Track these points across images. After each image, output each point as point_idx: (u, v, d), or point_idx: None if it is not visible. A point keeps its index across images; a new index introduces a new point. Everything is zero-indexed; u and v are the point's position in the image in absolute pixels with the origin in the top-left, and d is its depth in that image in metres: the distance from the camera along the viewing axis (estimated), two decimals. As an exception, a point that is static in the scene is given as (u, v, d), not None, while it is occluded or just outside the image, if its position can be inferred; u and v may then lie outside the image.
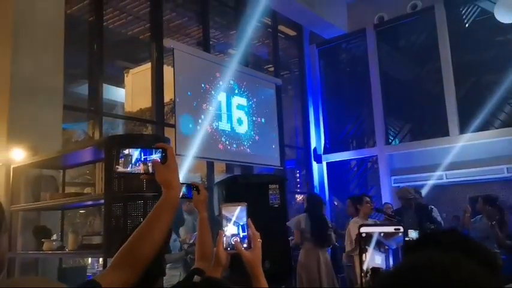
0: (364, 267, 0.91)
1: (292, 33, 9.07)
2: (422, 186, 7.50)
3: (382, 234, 0.97)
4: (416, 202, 5.12)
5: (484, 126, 7.21)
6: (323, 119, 8.94)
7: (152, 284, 1.73)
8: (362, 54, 8.67)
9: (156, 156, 1.36)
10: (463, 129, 7.38)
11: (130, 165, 1.37)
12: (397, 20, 8.32)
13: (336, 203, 6.65)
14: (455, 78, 7.55)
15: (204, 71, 6.52)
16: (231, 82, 6.88)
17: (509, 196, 7.12)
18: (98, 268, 4.07)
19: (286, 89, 8.83)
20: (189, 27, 7.68)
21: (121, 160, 1.37)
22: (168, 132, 5.98)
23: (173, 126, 5.93)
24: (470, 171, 7.33)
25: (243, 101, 7.11)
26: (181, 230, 4.78)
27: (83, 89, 5.56)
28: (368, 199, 4.68)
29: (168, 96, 6.31)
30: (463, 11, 7.79)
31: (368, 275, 0.89)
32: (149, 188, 2.57)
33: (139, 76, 8.60)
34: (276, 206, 2.85)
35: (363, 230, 0.93)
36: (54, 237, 3.40)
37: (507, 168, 7.06)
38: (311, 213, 4.98)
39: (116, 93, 8.75)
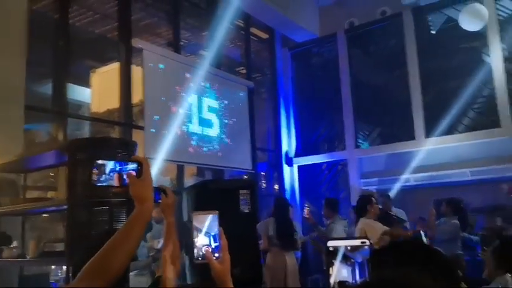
0: (332, 281, 0.92)
1: (264, 35, 9.07)
2: (390, 189, 7.66)
3: (348, 248, 0.98)
4: (385, 206, 5.20)
5: (449, 131, 7.42)
6: (294, 122, 8.99)
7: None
8: (333, 58, 8.77)
9: (131, 167, 1.32)
10: (428, 133, 7.57)
11: (104, 175, 1.33)
12: (367, 25, 8.45)
13: (306, 206, 6.68)
14: (422, 84, 7.73)
15: (174, 72, 6.42)
16: (202, 84, 6.81)
17: (472, 199, 7.35)
18: (61, 275, 3.93)
19: (258, 92, 8.82)
20: (159, 28, 7.56)
21: (94, 170, 1.32)
22: (137, 134, 5.86)
23: (142, 128, 5.82)
24: (435, 175, 7.53)
25: (214, 103, 7.05)
26: (148, 236, 4.68)
27: (48, 88, 5.37)
28: (374, 200, 4.63)
29: (136, 97, 6.18)
30: (430, 18, 7.99)
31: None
32: (116, 194, 2.49)
33: (107, 76, 8.39)
34: (247, 211, 2.83)
35: (330, 244, 0.94)
36: (15, 243, 3.25)
37: (470, 171, 7.29)
38: (278, 217, 5.02)
39: (82, 94, 8.51)
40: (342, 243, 0.90)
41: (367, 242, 0.89)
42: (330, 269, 0.87)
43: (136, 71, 6.12)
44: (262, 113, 8.86)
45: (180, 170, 6.62)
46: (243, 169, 7.48)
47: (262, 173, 8.77)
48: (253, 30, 8.72)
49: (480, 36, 7.28)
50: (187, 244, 2.74)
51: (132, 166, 1.35)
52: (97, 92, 8.63)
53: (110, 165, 1.36)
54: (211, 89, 7.00)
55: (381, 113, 8.41)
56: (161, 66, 6.18)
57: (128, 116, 5.79)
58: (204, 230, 1.40)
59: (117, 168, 1.36)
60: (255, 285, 3.16)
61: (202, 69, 6.84)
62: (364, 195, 5.17)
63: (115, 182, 1.35)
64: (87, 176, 2.41)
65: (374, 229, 4.05)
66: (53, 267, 4.60)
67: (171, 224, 1.78)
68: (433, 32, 7.90)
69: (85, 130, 6.94)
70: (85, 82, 8.45)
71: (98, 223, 2.48)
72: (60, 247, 2.75)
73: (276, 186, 8.74)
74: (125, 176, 1.33)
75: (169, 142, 5.94)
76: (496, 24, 7.11)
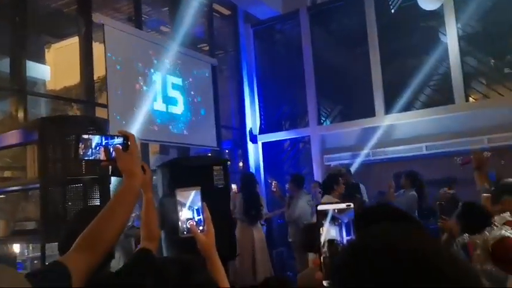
0: (322, 239, 1.01)
1: (226, 12, 8.98)
2: (351, 164, 7.93)
3: (336, 211, 1.07)
4: (346, 180, 5.41)
5: (407, 108, 7.72)
6: (258, 99, 9.04)
7: (102, 267, 1.70)
8: (296, 36, 8.83)
9: (117, 142, 1.33)
10: (388, 110, 7.85)
11: (90, 150, 1.33)
12: (329, 3, 8.55)
13: (270, 182, 6.85)
14: (382, 62, 7.95)
15: (137, 49, 6.28)
16: (166, 61, 6.70)
17: (428, 172, 7.75)
18: (28, 255, 3.86)
19: (220, 69, 8.78)
20: (119, 2, 7.32)
21: (80, 145, 1.32)
22: (98, 113, 5.73)
23: (104, 106, 5.69)
24: (393, 150, 7.85)
25: (178, 80, 6.97)
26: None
27: (5, 65, 5.12)
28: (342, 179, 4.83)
29: (96, 74, 6.00)
30: (390, -3, 8.17)
31: (325, 245, 1.00)
32: (88, 171, 2.48)
33: (63, 52, 8.08)
34: (221, 186, 2.88)
35: (320, 208, 1.03)
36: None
37: (426, 146, 7.65)
38: (245, 192, 5.13)
39: (36, 70, 8.15)
40: (330, 207, 0.99)
41: (352, 206, 1.00)
42: (321, 229, 0.97)
43: (96, 48, 5.93)
44: (226, 90, 8.85)
45: (145, 148, 6.55)
46: (208, 147, 7.50)
47: (226, 151, 8.82)
48: (216, 6, 8.61)
49: (437, 16, 7.54)
50: (163, 220, 2.78)
51: (118, 140, 1.37)
52: (53, 68, 8.30)
53: (96, 139, 1.37)
54: (174, 66, 6.90)
55: (342, 91, 8.61)
56: (123, 42, 6.02)
57: (90, 93, 5.63)
58: (188, 204, 1.46)
59: (104, 143, 1.37)
60: (230, 257, 3.25)
61: (166, 45, 6.73)
62: (332, 174, 5.35)
63: (102, 156, 1.36)
64: (60, 154, 2.39)
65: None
66: (18, 250, 4.50)
67: (149, 199, 1.81)
68: (393, 11, 8.10)
69: (40, 109, 6.69)
70: (40, 58, 8.10)
71: (72, 201, 2.46)
72: (31, 226, 2.71)
73: (241, 164, 8.83)
74: (111, 150, 1.35)
75: (134, 120, 5.86)
76: (452, 4, 7.38)
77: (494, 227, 2.05)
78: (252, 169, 8.61)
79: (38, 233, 2.51)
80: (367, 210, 1.06)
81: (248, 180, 5.34)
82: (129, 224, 3.86)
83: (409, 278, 0.47)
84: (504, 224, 1.56)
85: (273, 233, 7.85)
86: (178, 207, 1.45)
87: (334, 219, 1.12)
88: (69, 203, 2.41)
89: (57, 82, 8.05)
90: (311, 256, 3.13)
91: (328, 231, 1.12)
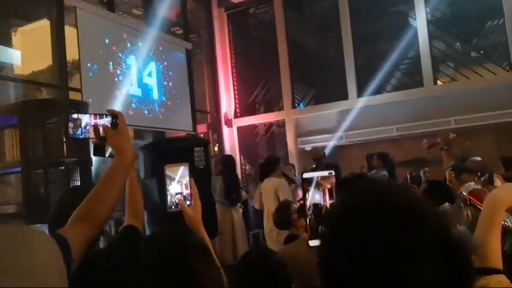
0: (308, 204, 1.12)
1: (200, -5, 8.91)
2: (324, 147, 8.11)
3: (319, 178, 1.19)
4: (326, 162, 5.56)
5: (378, 91, 7.91)
6: (233, 83, 9.06)
7: (92, 244, 1.74)
8: (270, 19, 8.85)
9: (106, 120, 1.38)
10: (360, 93, 8.02)
11: (79, 129, 1.37)
12: (302, -14, 8.59)
13: (247, 165, 6.94)
14: (354, 46, 8.10)
15: (110, 32, 6.18)
16: (140, 44, 6.63)
17: (399, 153, 8.01)
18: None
19: (195, 53, 8.73)
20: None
21: (70, 124, 1.36)
22: (72, 97, 5.64)
23: (78, 90, 5.61)
24: (365, 132, 8.06)
25: (152, 64, 6.91)
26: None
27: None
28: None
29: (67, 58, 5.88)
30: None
31: (310, 209, 1.11)
32: (70, 154, 2.50)
33: (32, 35, 7.84)
34: (202, 167, 2.94)
35: (306, 175, 1.14)
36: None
37: (396, 128, 7.89)
38: (225, 175, 5.19)
39: (5, 54, 7.90)
40: (314, 175, 1.11)
41: (333, 173, 1.11)
42: (306, 194, 1.07)
43: (66, 31, 5.80)
44: (200, 74, 8.83)
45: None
46: (183, 130, 7.50)
47: (201, 135, 8.84)
48: (189, -11, 8.51)
49: (407, 0, 7.72)
50: (146, 200, 2.81)
51: (107, 119, 1.41)
52: (20, 52, 8.06)
53: (85, 118, 1.41)
54: (149, 50, 6.84)
55: (316, 74, 8.73)
56: (96, 25, 5.92)
57: (63, 78, 5.53)
58: (177, 178, 1.53)
59: (93, 122, 1.41)
60: (212, 235, 3.32)
61: (139, 29, 6.65)
62: (273, 158, 5.48)
63: (91, 135, 1.41)
64: (41, 137, 2.40)
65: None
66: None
67: (133, 177, 1.86)
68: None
69: (9, 94, 6.52)
70: (6, 42, 7.85)
71: (53, 183, 2.48)
72: (11, 209, 2.72)
73: (216, 148, 8.87)
74: (100, 129, 1.39)
75: (109, 105, 5.80)
76: (421, -12, 7.55)
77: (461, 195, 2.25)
78: (228, 153, 8.67)
79: (19, 216, 2.52)
80: (347, 178, 1.17)
81: (228, 163, 5.39)
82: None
83: (394, 225, 0.52)
84: (470, 192, 1.70)
85: (249, 215, 7.98)
86: (167, 182, 1.52)
87: (318, 186, 1.24)
88: (51, 186, 2.43)
89: (25, 67, 7.84)
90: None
91: (313, 196, 1.23)
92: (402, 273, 0.49)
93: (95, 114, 1.42)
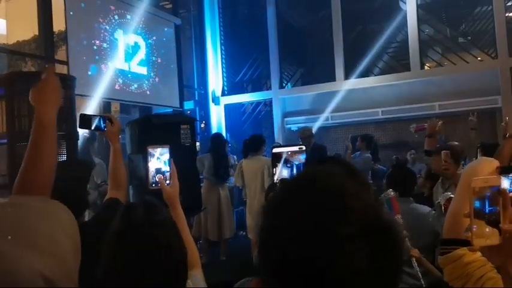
0: (275, 178, 1.17)
1: (190, -31, 8.76)
2: (310, 127, 8.17)
3: (289, 153, 1.23)
4: (314, 142, 5.59)
5: (365, 73, 7.97)
6: (221, 60, 9.01)
7: (77, 217, 1.78)
8: (260, -3, 8.76)
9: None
10: (347, 75, 8.07)
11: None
12: (293, -35, 8.49)
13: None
14: (344, 26, 8.09)
15: (97, 3, 6.07)
16: (128, 17, 6.53)
17: (383, 136, 8.14)
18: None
19: (183, 29, 8.64)
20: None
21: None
22: (58, 69, 5.58)
23: (64, 62, 5.55)
24: (351, 114, 8.14)
25: (140, 39, 6.83)
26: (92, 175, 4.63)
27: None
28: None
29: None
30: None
31: (277, 184, 1.17)
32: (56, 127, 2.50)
33: (16, 4, 7.67)
34: (188, 144, 2.98)
35: (275, 150, 1.18)
36: None
37: (382, 111, 7.99)
38: (215, 152, 5.23)
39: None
40: (284, 150, 1.15)
41: (304, 148, 1.15)
42: (274, 169, 1.13)
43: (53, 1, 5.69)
44: (189, 51, 8.75)
45: (108, 107, 6.49)
46: (170, 107, 7.49)
47: (188, 112, 8.82)
48: (179, -38, 8.36)
49: (398, -17, 7.72)
50: (132, 175, 2.86)
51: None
52: (4, 22, 7.87)
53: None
54: (137, 24, 6.74)
55: (305, 54, 8.72)
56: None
57: (49, 49, 5.45)
58: (157, 155, 1.60)
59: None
60: (196, 210, 3.39)
61: (127, 1, 6.54)
62: (259, 136, 5.44)
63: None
64: (28, 109, 2.40)
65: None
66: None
67: (117, 150, 1.90)
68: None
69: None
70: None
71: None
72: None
73: (203, 125, 8.88)
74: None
75: (95, 79, 5.75)
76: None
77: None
78: (214, 130, 8.70)
79: (6, 187, 2.54)
80: (315, 160, 1.21)
81: (217, 140, 5.41)
82: (98, 182, 3.92)
83: (318, 208, 0.53)
84: (448, 201, 1.81)
85: (233, 193, 8.06)
86: (149, 158, 1.59)
87: (286, 161, 1.30)
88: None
89: (10, 36, 7.67)
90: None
91: (281, 171, 1.30)
92: (326, 257, 0.50)
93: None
